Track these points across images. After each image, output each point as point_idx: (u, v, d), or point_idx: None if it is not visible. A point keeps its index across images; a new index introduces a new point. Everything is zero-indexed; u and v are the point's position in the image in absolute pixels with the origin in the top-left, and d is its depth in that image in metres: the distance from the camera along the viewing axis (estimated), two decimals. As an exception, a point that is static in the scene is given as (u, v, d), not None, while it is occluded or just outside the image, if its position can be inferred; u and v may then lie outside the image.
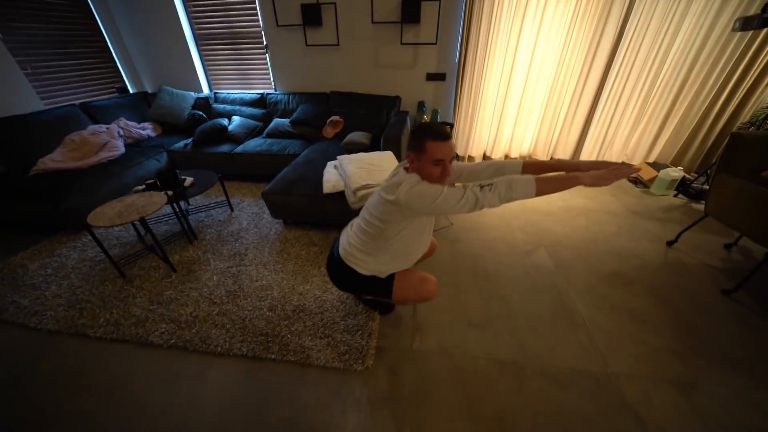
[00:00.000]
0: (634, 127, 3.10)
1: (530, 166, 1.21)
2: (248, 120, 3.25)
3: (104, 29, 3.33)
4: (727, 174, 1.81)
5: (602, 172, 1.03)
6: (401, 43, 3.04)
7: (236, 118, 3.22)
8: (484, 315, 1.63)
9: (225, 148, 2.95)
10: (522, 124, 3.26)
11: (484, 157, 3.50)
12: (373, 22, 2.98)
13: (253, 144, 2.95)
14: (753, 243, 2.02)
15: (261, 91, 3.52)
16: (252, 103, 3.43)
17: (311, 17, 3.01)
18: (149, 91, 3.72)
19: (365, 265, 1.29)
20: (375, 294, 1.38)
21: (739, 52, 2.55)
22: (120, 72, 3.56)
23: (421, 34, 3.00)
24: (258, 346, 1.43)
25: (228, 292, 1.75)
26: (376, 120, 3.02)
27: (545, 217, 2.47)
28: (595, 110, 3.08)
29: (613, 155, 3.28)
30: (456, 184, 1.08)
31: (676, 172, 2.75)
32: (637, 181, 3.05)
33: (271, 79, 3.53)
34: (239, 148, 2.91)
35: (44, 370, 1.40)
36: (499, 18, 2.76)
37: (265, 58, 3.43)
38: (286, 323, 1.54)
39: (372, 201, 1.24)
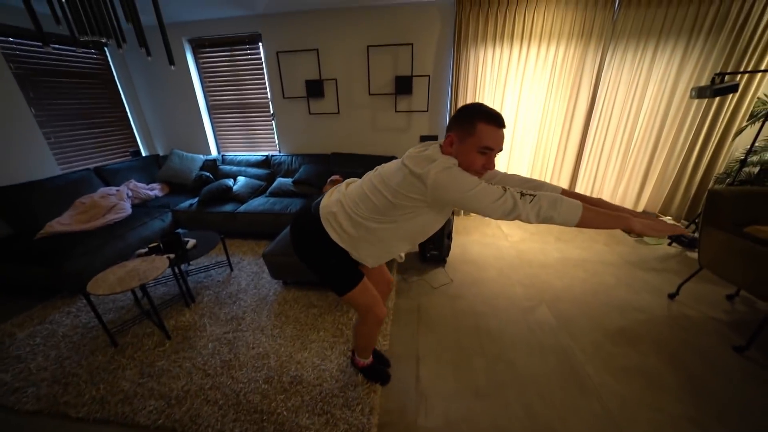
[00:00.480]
0: (618, 180, 3.27)
1: (570, 195, 1.01)
2: (252, 180, 3.41)
3: (126, 101, 3.67)
4: (713, 227, 1.88)
5: (654, 222, 0.88)
6: (396, 111, 3.35)
7: (241, 179, 3.39)
8: (490, 381, 1.55)
9: (229, 207, 3.06)
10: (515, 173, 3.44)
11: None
12: (370, 93, 3.31)
13: (256, 203, 3.07)
14: (753, 294, 2.01)
15: (266, 153, 3.75)
16: (257, 164, 3.64)
17: (314, 90, 3.35)
18: (161, 153, 3.96)
19: (342, 234, 1.10)
20: (328, 278, 1.21)
21: (701, 114, 2.82)
22: (135, 137, 3.84)
23: (413, 104, 3.32)
24: (252, 426, 1.34)
25: (223, 361, 1.68)
26: (373, 178, 3.19)
27: (542, 269, 2.48)
28: (579, 166, 3.28)
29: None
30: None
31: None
32: (630, 232, 3.12)
33: (276, 142, 3.80)
34: (242, 208, 3.02)
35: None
36: (482, 87, 3.09)
37: (272, 124, 3.73)
38: (283, 398, 1.46)
39: (389, 169, 1.05)
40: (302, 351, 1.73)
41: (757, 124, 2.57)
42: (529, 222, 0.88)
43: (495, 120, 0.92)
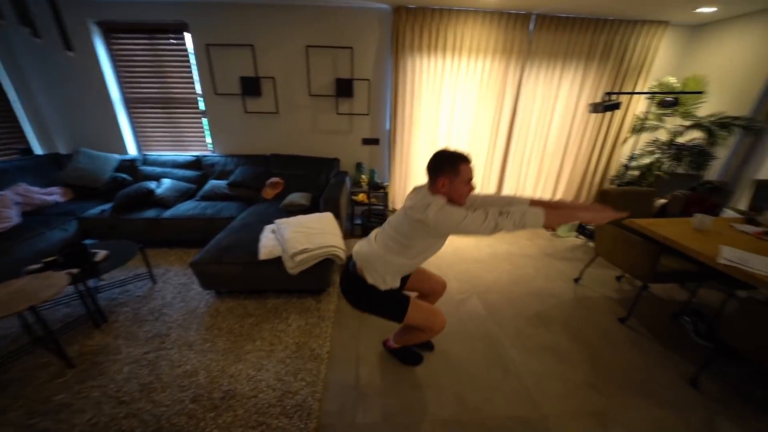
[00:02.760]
0: (537, 181, 3.71)
1: (535, 203, 1.36)
2: (180, 182, 3.11)
3: (12, 90, 3.07)
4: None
5: (596, 213, 1.24)
6: (337, 113, 3.34)
7: (166, 181, 3.07)
8: (426, 372, 1.65)
9: (151, 213, 2.74)
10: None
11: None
12: (310, 94, 3.26)
13: (185, 207, 2.81)
14: (635, 275, 2.46)
15: (197, 153, 3.45)
16: (186, 165, 3.33)
17: (250, 88, 3.19)
18: (63, 152, 3.39)
19: (376, 276, 1.35)
20: (387, 312, 1.42)
21: (598, 125, 3.35)
22: (23, 133, 3.22)
23: (354, 107, 3.35)
24: (175, 451, 1.23)
25: (142, 385, 1.51)
26: (315, 181, 3.15)
27: (476, 264, 2.71)
28: (505, 168, 3.64)
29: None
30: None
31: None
32: (547, 226, 3.56)
33: (208, 141, 3.52)
34: (168, 213, 2.74)
35: None
36: (420, 94, 3.25)
37: (202, 122, 3.44)
38: (213, 415, 1.37)
39: (396, 219, 1.35)
40: (236, 363, 1.64)
41: (636, 136, 3.14)
42: (509, 231, 1.16)
43: (468, 159, 1.25)
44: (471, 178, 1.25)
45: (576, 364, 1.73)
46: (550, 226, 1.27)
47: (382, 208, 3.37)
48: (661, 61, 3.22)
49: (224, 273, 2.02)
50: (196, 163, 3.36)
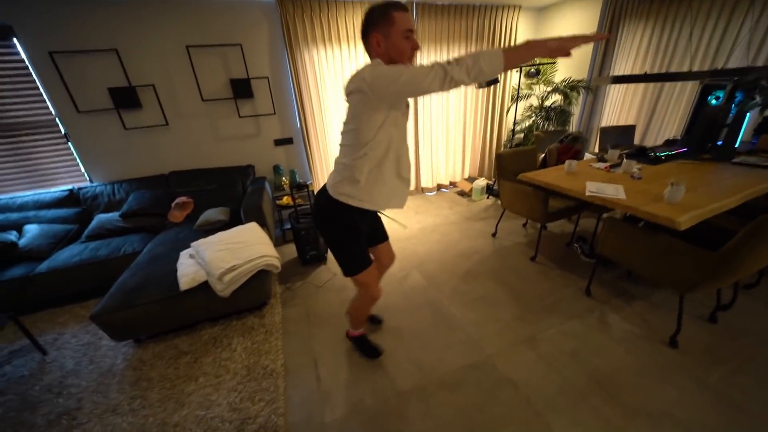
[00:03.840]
0: (447, 157, 4.08)
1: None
2: (52, 226, 2.52)
3: None
4: (504, 179, 2.62)
5: (562, 41, 0.95)
6: (240, 117, 3.10)
7: (32, 227, 2.45)
8: (384, 352, 1.73)
9: (18, 270, 2.17)
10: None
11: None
12: (203, 100, 2.94)
13: (68, 254, 2.30)
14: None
15: (69, 187, 2.82)
16: (56, 203, 2.70)
17: (125, 100, 2.71)
18: None
19: (353, 192, 1.20)
20: (343, 258, 1.33)
21: (485, 99, 3.82)
22: None
23: (258, 107, 3.14)
24: None
25: (55, 475, 1.24)
26: (231, 192, 2.90)
27: (409, 241, 2.89)
28: (418, 149, 3.90)
29: (442, 178, 4.18)
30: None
31: (482, 181, 3.77)
32: (463, 194, 3.98)
33: (83, 170, 2.90)
34: (44, 266, 2.21)
35: None
36: (324, 86, 3.22)
37: (69, 148, 2.81)
38: (161, 473, 1.21)
39: (346, 115, 1.16)
40: (179, 410, 1.46)
41: (515, 105, 3.69)
42: (465, 84, 0.96)
43: (402, 6, 1.05)
44: (410, 29, 1.04)
45: (504, 305, 2.02)
46: (512, 66, 0.99)
47: (309, 207, 3.29)
48: (522, 38, 3.80)
49: (139, 317, 1.75)
50: (71, 199, 2.75)
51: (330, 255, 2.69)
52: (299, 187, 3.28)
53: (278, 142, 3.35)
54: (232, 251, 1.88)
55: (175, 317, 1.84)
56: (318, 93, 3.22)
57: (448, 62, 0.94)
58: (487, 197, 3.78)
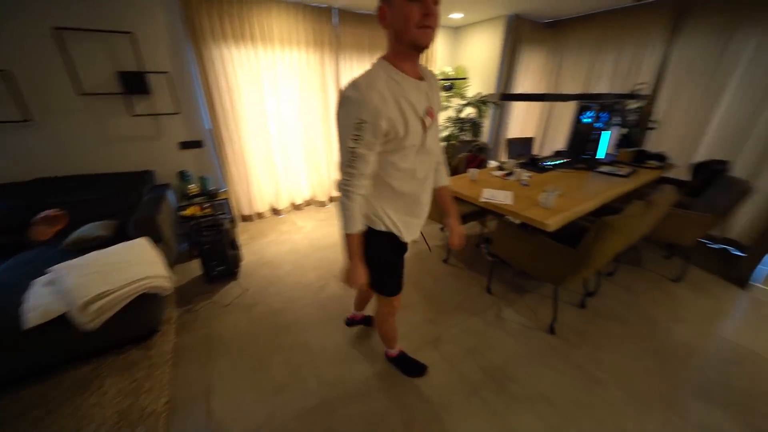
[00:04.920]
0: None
1: (442, 190, 1.39)
2: None
3: None
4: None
5: (343, 273, 1.12)
6: (133, 115, 2.70)
7: None
8: (288, 371, 1.63)
9: None
10: (293, 172, 3.61)
11: (275, 210, 3.62)
12: (82, 93, 2.49)
13: None
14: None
15: None
16: None
17: (-40, 89, 2.15)
18: None
19: (383, 217, 1.10)
20: (374, 275, 1.17)
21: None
22: None
23: (157, 105, 2.78)
24: None
25: None
26: (120, 203, 2.50)
27: (330, 249, 2.83)
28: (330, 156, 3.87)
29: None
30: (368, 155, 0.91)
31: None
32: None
33: None
34: None
35: None
36: (239, 86, 2.99)
37: None
38: None
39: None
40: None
41: (436, 114, 3.91)
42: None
43: None
44: None
45: (417, 307, 2.09)
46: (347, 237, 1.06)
47: (223, 217, 3.02)
48: (442, 54, 4.06)
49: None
50: None
51: (242, 269, 2.50)
52: (211, 195, 3.00)
53: (185, 145, 3.01)
54: (104, 274, 1.59)
55: (19, 363, 1.48)
56: (231, 94, 2.98)
57: (346, 180, 0.94)
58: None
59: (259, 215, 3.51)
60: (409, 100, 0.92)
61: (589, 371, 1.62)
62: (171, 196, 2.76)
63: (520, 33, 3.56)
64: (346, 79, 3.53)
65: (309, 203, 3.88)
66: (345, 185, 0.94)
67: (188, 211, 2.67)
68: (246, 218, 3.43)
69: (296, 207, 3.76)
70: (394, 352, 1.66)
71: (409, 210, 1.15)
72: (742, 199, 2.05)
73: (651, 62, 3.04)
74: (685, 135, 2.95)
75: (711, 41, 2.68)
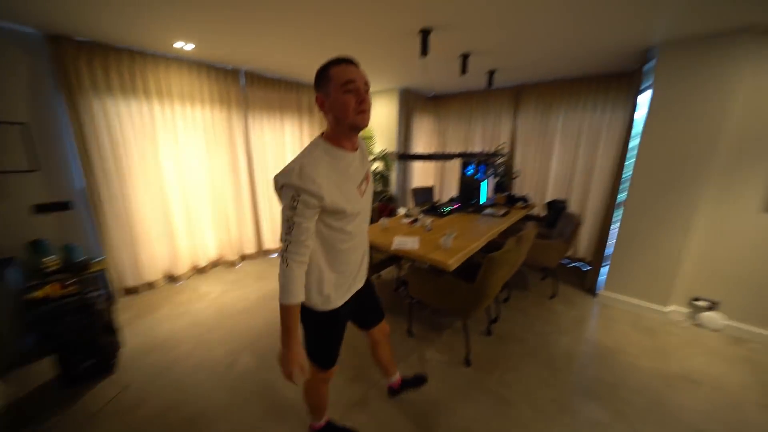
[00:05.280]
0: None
1: None
2: None
3: None
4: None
5: (281, 359, 1.07)
6: (-42, 175, 2.10)
7: None
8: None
9: None
10: (198, 232, 3.26)
11: (170, 277, 3.12)
12: None
13: None
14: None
15: None
16: None
17: None
18: None
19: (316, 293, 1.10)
20: (308, 345, 1.20)
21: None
22: None
23: (4, 161, 2.25)
24: None
25: None
26: None
27: (244, 315, 2.55)
28: (258, 211, 3.72)
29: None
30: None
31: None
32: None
33: None
34: None
35: None
36: (128, 141, 2.68)
37: None
38: None
39: None
40: None
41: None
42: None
43: (343, 60, 0.96)
44: (350, 80, 0.93)
45: (339, 366, 1.99)
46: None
47: (94, 295, 2.44)
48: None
49: None
50: None
51: (122, 359, 2.01)
52: (78, 269, 2.43)
53: (42, 209, 2.44)
54: None
55: None
56: (116, 150, 2.64)
57: (285, 247, 0.97)
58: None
59: (150, 285, 2.96)
60: (348, 175, 1.05)
61: (501, 395, 1.78)
62: (14, 275, 2.14)
63: (411, 102, 4.28)
64: (257, 137, 3.54)
65: (216, 264, 3.48)
66: (284, 251, 0.97)
67: (41, 292, 2.08)
68: (130, 291, 2.85)
69: (200, 270, 3.32)
70: (320, 423, 1.52)
71: (341, 268, 1.15)
72: (577, 228, 2.74)
73: (506, 128, 4.01)
74: (537, 181, 3.87)
75: (537, 115, 3.75)
